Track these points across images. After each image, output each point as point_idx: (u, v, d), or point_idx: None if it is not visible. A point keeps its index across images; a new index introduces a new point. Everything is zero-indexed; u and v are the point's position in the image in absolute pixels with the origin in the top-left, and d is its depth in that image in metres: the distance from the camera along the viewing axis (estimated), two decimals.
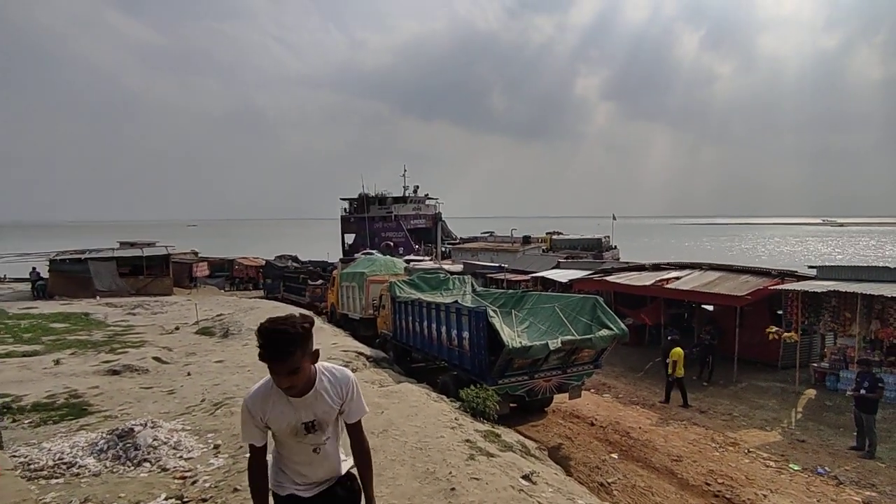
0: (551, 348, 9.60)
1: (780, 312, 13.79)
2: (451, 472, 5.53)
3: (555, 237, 44.64)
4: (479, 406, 8.64)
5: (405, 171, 64.17)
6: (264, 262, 38.63)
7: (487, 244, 45.70)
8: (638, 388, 13.61)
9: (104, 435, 6.72)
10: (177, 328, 18.36)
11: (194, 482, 5.56)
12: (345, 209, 65.19)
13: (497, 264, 28.84)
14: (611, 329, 10.37)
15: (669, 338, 13.25)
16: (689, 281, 15.43)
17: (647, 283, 16.12)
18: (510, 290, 15.24)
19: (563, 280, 20.22)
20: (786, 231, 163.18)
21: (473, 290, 15.39)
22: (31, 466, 6.12)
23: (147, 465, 6.12)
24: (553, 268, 24.04)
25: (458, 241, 55.28)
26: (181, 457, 6.30)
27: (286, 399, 2.42)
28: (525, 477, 6.01)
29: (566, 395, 10.79)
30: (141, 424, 6.87)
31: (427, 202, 63.45)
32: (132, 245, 33.26)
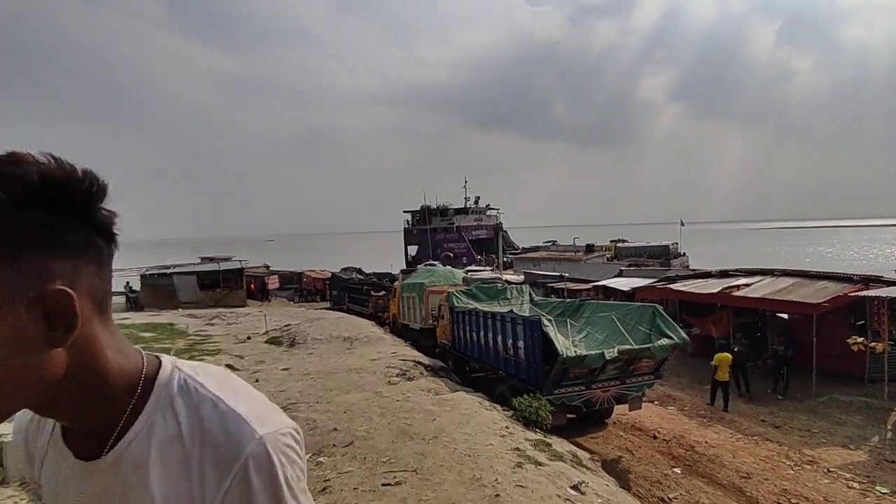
0: (608, 358, 9.41)
1: (861, 322, 12.79)
2: (496, 479, 5.57)
3: (619, 245, 43.43)
4: (532, 415, 8.59)
5: (466, 182, 64.70)
6: (330, 274, 39.89)
7: (550, 253, 45.14)
8: (705, 401, 13.00)
9: None
10: (248, 338, 19.36)
11: None
12: (407, 221, 66.34)
13: (557, 273, 28.44)
14: (671, 338, 10.03)
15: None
16: (759, 288, 14.61)
17: (713, 291, 15.39)
18: (568, 300, 15.05)
19: (625, 289, 19.66)
20: (873, 235, 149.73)
21: (531, 300, 15.30)
22: None
23: None
24: (615, 276, 23.44)
25: (519, 250, 54.93)
26: None
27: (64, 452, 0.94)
28: (574, 487, 5.95)
29: (626, 406, 10.51)
30: None
31: (488, 213, 63.58)
32: (211, 260, 35.45)
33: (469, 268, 34.12)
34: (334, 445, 6.62)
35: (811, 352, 12.95)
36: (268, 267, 42.85)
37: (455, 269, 24.73)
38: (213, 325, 23.43)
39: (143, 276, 31.50)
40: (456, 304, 15.01)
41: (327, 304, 35.13)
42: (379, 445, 6.51)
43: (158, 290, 30.56)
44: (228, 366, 13.51)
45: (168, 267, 33.06)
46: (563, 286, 24.82)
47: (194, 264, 34.29)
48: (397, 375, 11.59)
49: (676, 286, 16.99)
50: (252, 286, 35.95)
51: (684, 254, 39.14)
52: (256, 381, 12.02)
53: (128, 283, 32.69)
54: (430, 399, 9.02)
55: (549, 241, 57.40)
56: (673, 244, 39.67)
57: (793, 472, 9.05)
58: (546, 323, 9.96)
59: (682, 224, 40.08)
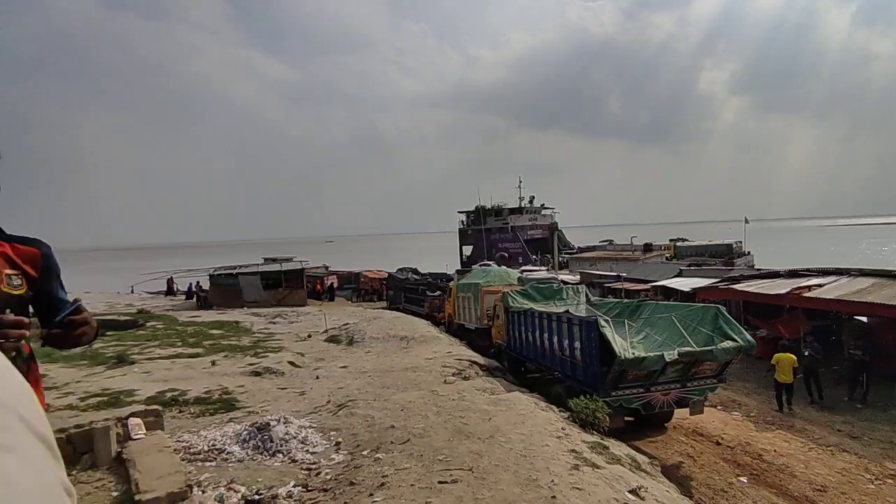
0: (667, 360, 9.17)
1: None
2: (552, 481, 5.57)
3: (679, 244, 41.91)
4: (588, 417, 8.49)
5: (520, 182, 64.24)
6: (387, 274, 40.59)
7: (606, 253, 44.14)
8: (773, 407, 12.39)
9: (247, 427, 7.68)
10: (309, 336, 20.04)
11: (318, 474, 6.19)
12: (462, 222, 66.65)
13: (615, 273, 27.81)
14: (735, 340, 9.65)
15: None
16: (833, 289, 13.77)
17: (782, 292, 14.63)
18: (626, 300, 14.72)
19: (686, 289, 18.99)
20: None
21: (587, 300, 15.08)
22: (191, 451, 7.18)
23: (280, 455, 6.91)
24: (675, 276, 22.68)
25: (575, 250, 54.03)
26: (308, 451, 7.02)
27: None
28: (632, 491, 5.86)
29: (687, 410, 10.19)
30: (276, 420, 7.76)
31: (543, 212, 62.92)
32: (273, 260, 36.88)
33: (524, 268, 33.91)
34: (392, 442, 6.80)
35: (895, 357, 12.12)
36: (327, 267, 44.13)
37: (510, 270, 24.66)
38: (275, 323, 24.39)
39: (211, 276, 33.19)
40: (511, 304, 15.01)
41: (384, 304, 35.81)
42: (435, 443, 6.64)
43: (225, 289, 32.11)
44: (290, 363, 14.08)
45: (234, 267, 34.64)
46: (620, 286, 24.26)
47: (258, 265, 35.76)
48: (453, 375, 11.72)
49: (741, 286, 16.25)
50: (319, 286, 37.25)
51: (749, 252, 37.32)
52: (317, 377, 12.46)
53: (198, 282, 34.54)
54: (486, 399, 9.09)
55: (606, 241, 56.16)
56: (737, 243, 37.91)
57: (874, 486, 8.51)
58: (603, 323, 9.82)
59: (747, 221, 38.18)
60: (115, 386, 11.45)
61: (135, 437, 5.51)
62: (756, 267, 28.66)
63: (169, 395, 10.55)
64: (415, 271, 41.28)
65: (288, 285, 32.91)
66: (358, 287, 42.22)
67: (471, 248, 63.84)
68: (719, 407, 12.50)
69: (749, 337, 9.86)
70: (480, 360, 14.66)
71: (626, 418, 10.14)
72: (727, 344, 9.59)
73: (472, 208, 64.95)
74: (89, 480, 4.80)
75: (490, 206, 63.70)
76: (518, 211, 62.40)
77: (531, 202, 63.74)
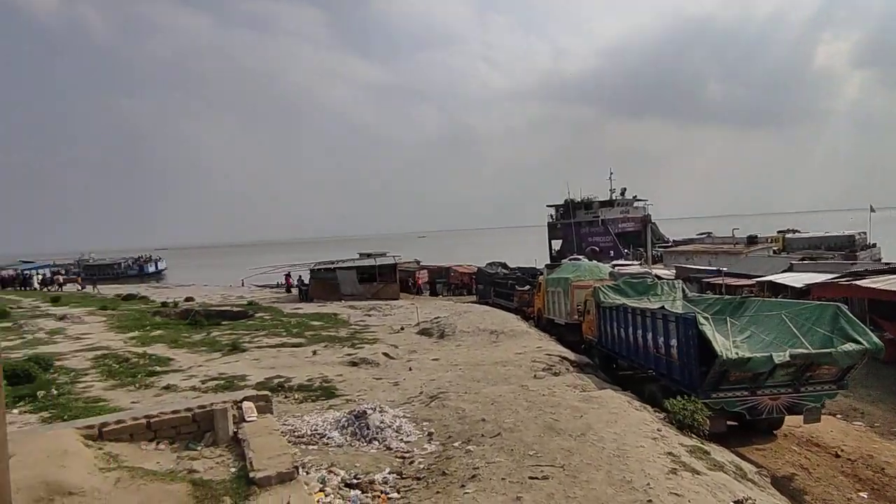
0: (777, 362, 8.52)
1: None
2: (648, 484, 5.41)
3: (789, 236, 38.53)
4: (686, 419, 8.08)
5: (611, 173, 62.07)
6: (476, 269, 40.84)
7: (704, 246, 41.51)
8: None
9: (345, 415, 8.14)
10: (402, 328, 20.70)
11: (411, 462, 6.45)
12: (551, 216, 65.66)
13: (715, 268, 26.10)
14: (858, 343, 8.76)
15: None
16: None
17: None
18: (728, 297, 13.82)
19: (798, 285, 17.44)
20: None
21: (684, 296, 14.34)
22: (296, 434, 7.74)
23: (376, 443, 7.27)
24: (784, 271, 20.88)
25: (670, 243, 51.34)
26: (402, 439, 7.32)
27: None
28: (738, 502, 5.54)
29: (800, 417, 9.40)
30: (372, 409, 8.15)
31: (635, 204, 60.40)
32: (368, 256, 38.41)
33: (615, 262, 32.79)
34: (482, 435, 6.91)
35: None
36: (418, 262, 45.18)
37: (601, 264, 24.00)
38: (370, 315, 25.42)
39: (312, 271, 35.27)
40: (603, 299, 14.64)
41: (474, 298, 36.17)
42: (526, 438, 6.67)
43: (325, 283, 33.99)
44: (385, 354, 14.65)
45: (332, 262, 36.54)
46: (720, 282, 22.77)
47: (354, 260, 37.42)
48: (543, 370, 11.65)
49: (866, 282, 14.68)
50: (419, 280, 38.49)
51: (875, 245, 33.52)
52: (410, 369, 12.88)
53: (300, 276, 36.80)
54: (577, 395, 8.95)
55: (704, 234, 52.88)
56: (860, 234, 34.20)
57: None
58: (702, 321, 9.30)
59: (873, 210, 34.18)
60: (230, 371, 12.56)
61: (248, 419, 6.04)
62: (883, 261, 25.70)
63: (275, 381, 11.40)
64: (504, 266, 41.25)
65: (382, 279, 34.14)
66: (448, 281, 42.86)
67: (560, 242, 62.81)
68: (838, 415, 11.41)
69: (876, 339, 8.92)
70: (571, 355, 14.43)
71: (728, 422, 9.54)
72: (849, 346, 8.73)
73: (562, 202, 63.76)
74: (211, 456, 5.37)
75: (580, 200, 62.25)
76: (609, 203, 60.38)
77: (622, 194, 61.45)
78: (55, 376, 12.12)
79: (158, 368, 13.08)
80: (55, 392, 10.68)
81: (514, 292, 29.02)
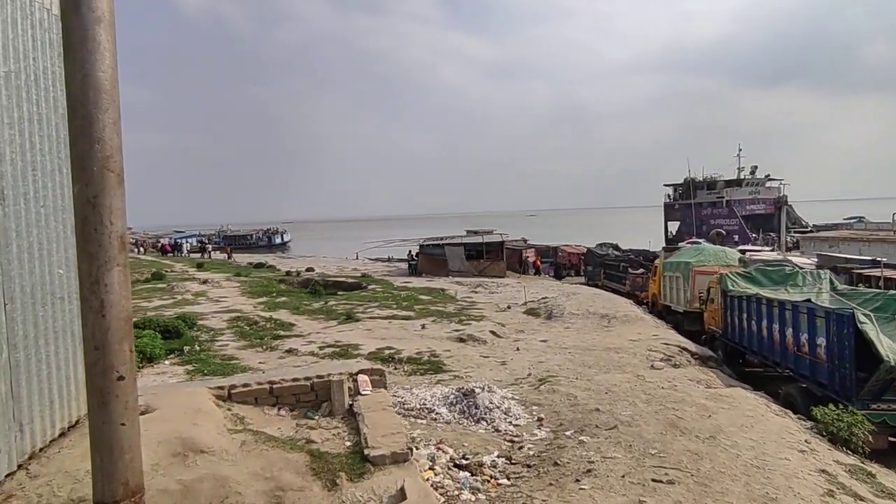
0: None
1: None
2: None
3: None
4: (842, 432, 7.02)
5: (740, 150, 56.60)
6: (586, 249, 39.60)
7: (854, 232, 36.47)
8: None
9: (454, 391, 8.09)
10: (508, 307, 20.48)
11: (520, 447, 6.22)
12: (668, 195, 61.73)
13: (869, 258, 22.80)
14: None
15: None
16: None
17: None
18: (891, 292, 11.92)
19: None
20: None
21: (833, 289, 12.63)
22: (405, 406, 7.84)
23: (483, 423, 7.13)
24: None
25: (809, 228, 45.89)
26: (510, 422, 7.12)
27: None
28: None
29: None
30: (480, 388, 8.03)
31: (767, 184, 54.59)
32: (475, 233, 38.59)
33: (743, 247, 30.10)
34: (597, 426, 6.51)
35: None
36: (525, 240, 44.60)
37: (727, 248, 22.05)
38: (476, 292, 25.50)
39: (421, 246, 36.22)
40: (731, 287, 13.41)
41: (581, 280, 35.19)
42: (645, 434, 6.17)
43: (433, 259, 34.76)
44: (492, 332, 14.54)
45: (441, 239, 37.21)
46: (878, 274, 19.85)
47: (461, 237, 37.81)
48: (661, 360, 10.86)
49: None
50: (538, 262, 38.27)
51: None
52: (517, 349, 12.66)
53: (409, 251, 37.97)
54: (703, 392, 8.17)
55: (854, 218, 46.66)
56: None
57: None
58: (863, 319, 8.06)
59: None
60: (344, 339, 13.14)
61: (363, 392, 6.18)
62: None
63: (386, 352, 11.72)
64: (615, 247, 39.74)
65: (489, 257, 34.22)
66: (555, 261, 42.01)
67: (677, 224, 58.91)
68: None
69: None
70: (691, 346, 13.39)
71: (891, 439, 8.24)
72: None
73: (681, 181, 59.47)
74: (328, 427, 5.57)
75: (701, 179, 57.63)
76: (736, 183, 55.24)
77: (752, 173, 55.88)
78: (198, 334, 13.47)
79: (282, 332, 14.03)
80: (198, 348, 11.85)
81: (626, 275, 28.01)
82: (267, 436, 5.00)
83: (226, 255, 47.70)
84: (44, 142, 4.70)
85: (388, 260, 46.00)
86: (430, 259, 35.00)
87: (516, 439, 6.46)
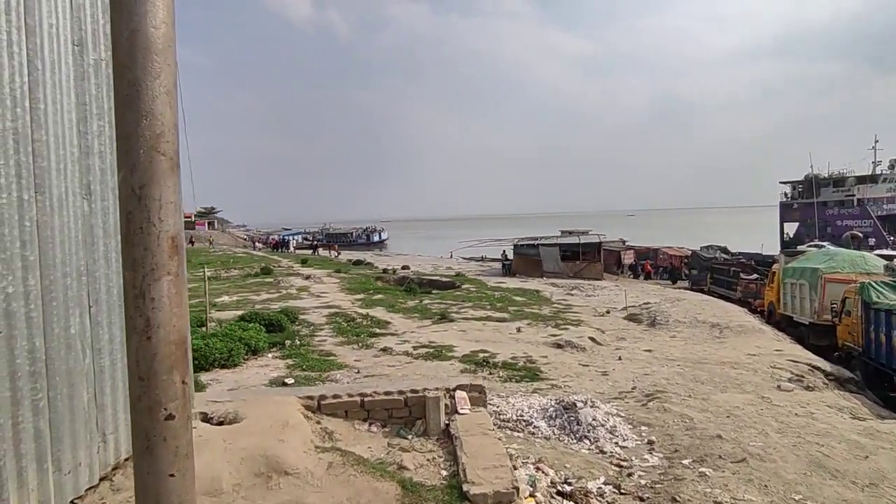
0: None
1: None
2: None
3: None
4: None
5: (875, 142, 50.09)
6: (690, 252, 37.12)
7: None
8: None
9: (553, 403, 7.59)
10: (607, 311, 19.49)
11: (630, 474, 5.62)
12: (785, 194, 56.27)
13: None
14: None
15: None
16: None
17: None
18: None
19: None
20: None
21: None
22: (501, 417, 7.47)
23: (586, 442, 6.58)
24: None
25: None
26: (616, 443, 6.51)
27: None
28: None
29: None
30: (582, 402, 7.47)
31: None
32: (570, 233, 37.45)
33: (879, 252, 26.57)
34: (720, 457, 5.73)
35: None
36: (623, 241, 42.60)
37: (867, 254, 19.52)
38: (572, 295, 24.60)
39: (515, 247, 35.84)
40: (875, 299, 11.82)
41: (674, 283, 33.18)
42: (783, 473, 5.31)
43: (527, 259, 34.24)
44: (591, 338, 13.79)
45: (535, 239, 36.54)
46: None
47: (556, 237, 36.90)
48: (789, 380, 9.64)
49: None
50: (649, 267, 36.71)
51: None
52: (619, 358, 11.86)
53: (504, 251, 37.64)
54: (852, 425, 7.01)
55: None
56: None
57: None
58: None
59: None
60: (438, 340, 13.02)
61: (461, 411, 5.79)
62: None
63: (481, 355, 11.42)
64: (724, 250, 36.92)
65: (585, 258, 33.11)
66: (656, 264, 39.73)
67: (795, 225, 53.46)
68: None
69: None
70: (824, 365, 11.87)
71: None
72: None
73: (800, 177, 53.88)
74: (422, 450, 5.20)
75: (826, 175, 51.76)
76: (870, 179, 49.01)
77: (892, 167, 49.20)
78: (299, 328, 13.99)
79: (378, 330, 14.21)
80: (298, 343, 12.25)
81: (738, 281, 25.85)
82: (356, 457, 4.76)
83: (334, 253, 50.26)
84: None
85: (482, 259, 45.90)
86: (524, 259, 34.51)
87: (624, 464, 5.86)
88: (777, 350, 12.76)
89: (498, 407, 7.79)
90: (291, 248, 58.62)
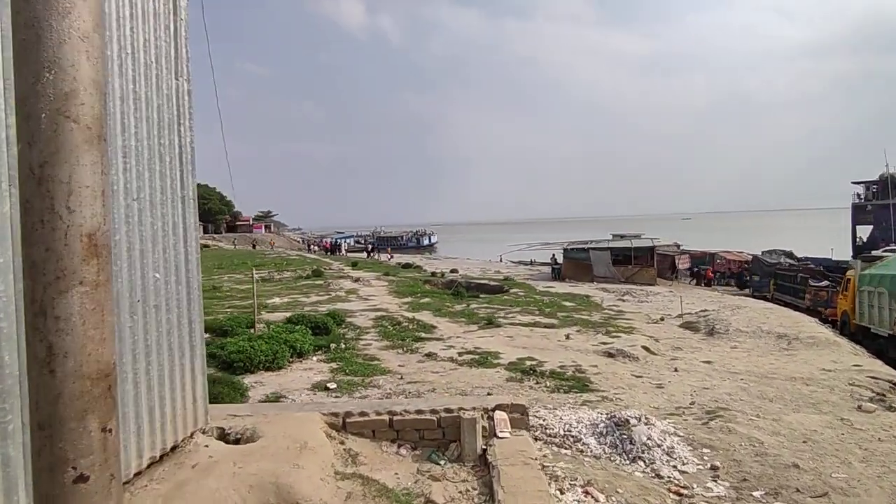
0: None
1: None
2: None
3: None
4: None
5: None
6: (751, 257, 35.30)
7: None
8: None
9: (604, 419, 7.11)
10: (661, 319, 18.62)
11: None
12: (858, 195, 52.84)
13: None
14: None
15: None
16: None
17: None
18: None
19: None
20: None
21: None
22: (547, 431, 7.05)
23: (641, 463, 6.09)
24: None
25: None
26: (675, 466, 5.99)
27: None
28: None
29: None
30: (636, 418, 6.96)
31: None
32: (622, 237, 36.36)
33: None
34: (798, 490, 5.13)
35: None
36: (678, 245, 41.00)
37: None
38: (624, 300, 23.71)
39: (565, 250, 35.07)
40: None
41: (733, 290, 31.55)
42: None
43: (577, 263, 33.46)
44: (644, 347, 13.11)
45: (585, 242, 35.67)
46: None
47: (607, 241, 35.90)
48: (871, 400, 8.75)
49: None
50: (711, 273, 35.53)
51: None
52: (675, 370, 11.19)
53: (553, 255, 36.94)
54: None
55: None
56: None
57: None
58: None
59: None
60: (484, 346, 12.69)
61: (500, 434, 5.36)
62: None
63: (528, 363, 11.00)
64: (789, 255, 35.02)
65: (637, 262, 32.00)
66: (715, 269, 37.99)
67: (869, 228, 49.99)
68: None
69: None
70: None
71: None
72: None
73: (875, 177, 50.40)
74: (455, 479, 4.82)
75: None
76: None
77: None
78: (345, 331, 13.99)
79: (423, 335, 14.01)
80: (343, 346, 12.21)
81: (805, 288, 24.44)
82: (378, 487, 4.39)
83: (387, 256, 51.27)
84: (140, 125, 4.11)
85: (531, 263, 45.24)
86: (574, 263, 33.73)
87: (685, 492, 5.34)
88: (856, 365, 11.71)
89: (544, 420, 7.38)
90: (343, 251, 60.08)
